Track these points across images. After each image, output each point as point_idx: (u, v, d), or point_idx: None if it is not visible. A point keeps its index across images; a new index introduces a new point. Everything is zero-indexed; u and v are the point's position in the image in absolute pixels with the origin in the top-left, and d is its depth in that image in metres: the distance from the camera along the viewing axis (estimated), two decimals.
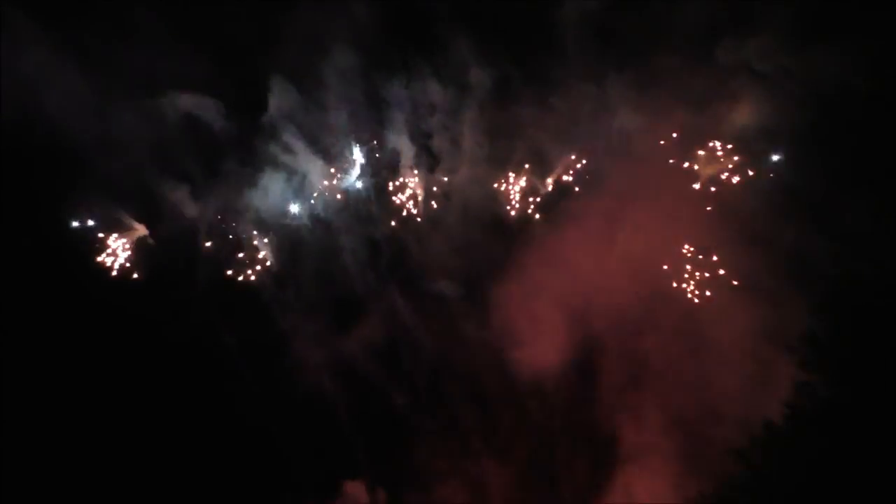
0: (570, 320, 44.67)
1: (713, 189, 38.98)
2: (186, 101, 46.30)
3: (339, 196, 48.23)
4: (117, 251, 47.67)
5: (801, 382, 21.96)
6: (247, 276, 49.40)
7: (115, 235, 47.55)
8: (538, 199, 47.34)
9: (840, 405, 21.15)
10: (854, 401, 20.94)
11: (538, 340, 47.07)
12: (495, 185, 47.20)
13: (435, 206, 48.01)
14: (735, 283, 35.57)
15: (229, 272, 49.00)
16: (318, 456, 51.18)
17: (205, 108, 46.64)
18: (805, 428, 21.53)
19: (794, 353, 22.20)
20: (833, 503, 20.55)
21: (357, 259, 49.80)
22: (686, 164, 40.61)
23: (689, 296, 39.01)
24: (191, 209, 48.31)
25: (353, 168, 47.82)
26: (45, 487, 45.32)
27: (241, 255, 49.57)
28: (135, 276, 46.63)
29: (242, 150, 47.71)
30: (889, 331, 20.71)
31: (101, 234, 46.89)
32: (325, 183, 48.30)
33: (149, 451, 46.70)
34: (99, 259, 46.90)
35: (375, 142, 47.20)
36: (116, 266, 47.12)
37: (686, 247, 39.78)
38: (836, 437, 20.84)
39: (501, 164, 46.57)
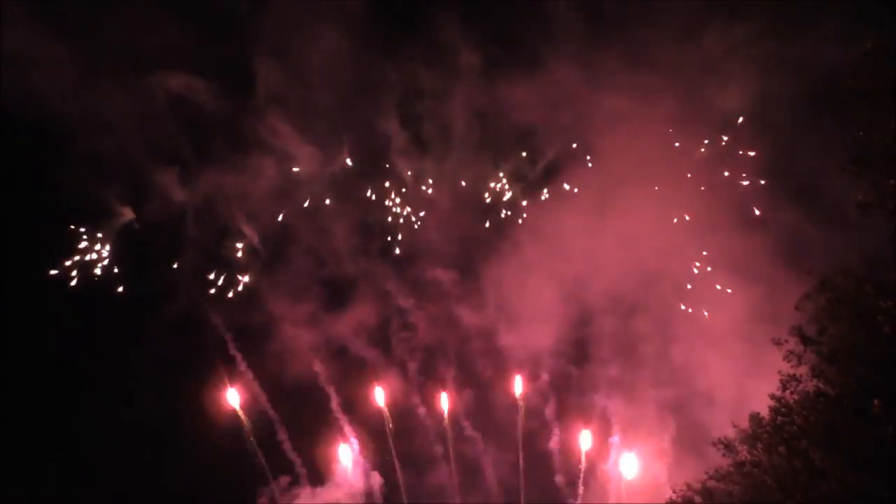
0: (561, 305, 45.10)
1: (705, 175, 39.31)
2: (171, 81, 46.18)
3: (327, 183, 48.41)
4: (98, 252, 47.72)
5: (787, 375, 22.25)
6: (234, 261, 49.80)
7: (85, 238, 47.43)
8: (527, 184, 47.76)
9: (825, 398, 21.48)
10: (840, 394, 21.24)
11: (530, 325, 47.54)
12: (486, 169, 47.64)
13: (425, 189, 48.43)
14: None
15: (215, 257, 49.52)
16: (311, 440, 51.82)
17: (189, 89, 46.53)
18: (790, 420, 21.86)
19: (780, 345, 22.46)
20: (819, 497, 20.94)
21: (348, 243, 50.12)
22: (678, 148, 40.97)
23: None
24: (178, 193, 48.34)
25: (341, 152, 47.90)
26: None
27: (228, 241, 49.89)
28: (120, 289, 46.88)
29: (229, 133, 47.80)
30: (878, 325, 20.90)
31: (72, 227, 47.04)
32: (313, 167, 48.46)
33: (140, 439, 47.27)
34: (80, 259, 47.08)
35: (365, 126, 47.31)
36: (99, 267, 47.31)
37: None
38: (821, 430, 21.19)
39: (491, 148, 46.78)
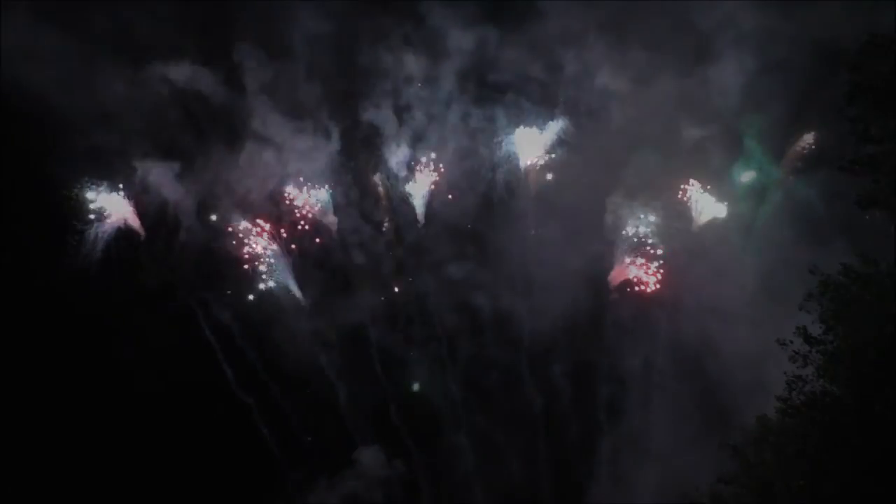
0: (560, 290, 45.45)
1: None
2: (153, 70, 46.31)
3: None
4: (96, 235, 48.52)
5: (792, 376, 22.87)
6: (240, 255, 50.49)
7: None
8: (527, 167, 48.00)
9: (831, 399, 22.13)
10: (845, 395, 21.88)
11: (537, 306, 48.14)
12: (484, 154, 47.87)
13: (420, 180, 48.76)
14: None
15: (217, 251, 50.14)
16: (334, 426, 52.99)
17: (172, 76, 46.64)
18: (796, 421, 22.54)
19: (785, 346, 23.04)
20: (827, 498, 21.74)
21: (348, 235, 50.67)
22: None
23: None
24: (171, 188, 48.92)
25: (330, 142, 48.11)
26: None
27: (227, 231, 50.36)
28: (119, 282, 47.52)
29: (217, 122, 48.05)
30: (881, 325, 21.43)
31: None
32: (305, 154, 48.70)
33: (147, 435, 48.41)
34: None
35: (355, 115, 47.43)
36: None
37: None
38: (825, 431, 21.90)
39: (489, 134, 46.90)
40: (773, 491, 22.64)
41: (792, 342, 22.80)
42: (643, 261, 44.76)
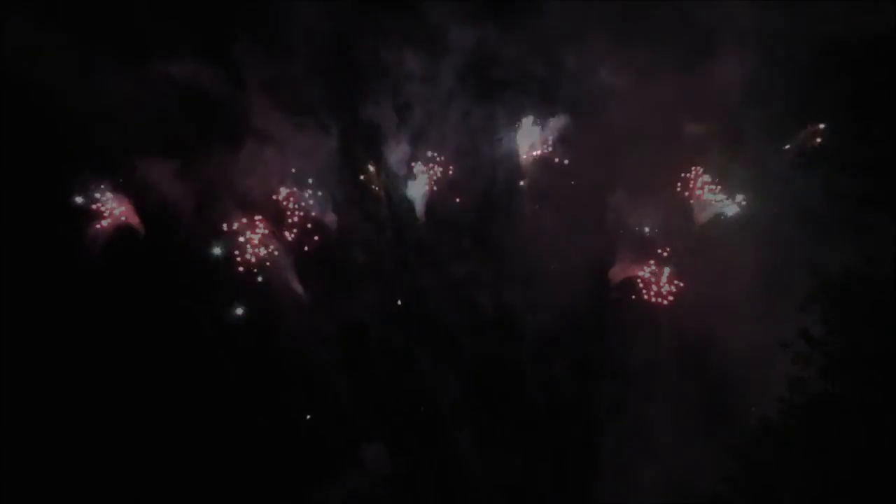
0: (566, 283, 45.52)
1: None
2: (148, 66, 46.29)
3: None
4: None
5: (794, 378, 22.96)
6: (239, 254, 50.63)
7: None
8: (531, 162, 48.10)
9: (832, 400, 22.22)
10: (847, 396, 21.95)
11: (539, 302, 48.22)
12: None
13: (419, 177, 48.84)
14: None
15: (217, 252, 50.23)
16: (336, 424, 53.13)
17: (169, 73, 46.63)
18: (798, 423, 22.63)
19: (786, 347, 23.13)
20: (826, 500, 21.83)
21: (348, 232, 50.80)
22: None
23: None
24: (170, 186, 48.99)
25: (330, 140, 48.17)
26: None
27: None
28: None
29: (218, 123, 48.09)
30: (882, 325, 21.48)
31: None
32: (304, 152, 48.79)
33: (167, 431, 48.48)
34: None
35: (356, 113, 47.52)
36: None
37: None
38: (827, 433, 21.99)
39: (489, 131, 46.97)
40: (775, 492, 22.74)
41: (794, 343, 22.93)
42: (654, 268, 44.77)
